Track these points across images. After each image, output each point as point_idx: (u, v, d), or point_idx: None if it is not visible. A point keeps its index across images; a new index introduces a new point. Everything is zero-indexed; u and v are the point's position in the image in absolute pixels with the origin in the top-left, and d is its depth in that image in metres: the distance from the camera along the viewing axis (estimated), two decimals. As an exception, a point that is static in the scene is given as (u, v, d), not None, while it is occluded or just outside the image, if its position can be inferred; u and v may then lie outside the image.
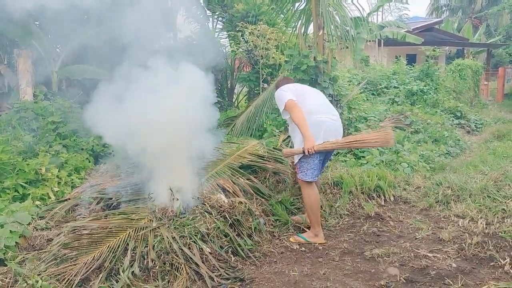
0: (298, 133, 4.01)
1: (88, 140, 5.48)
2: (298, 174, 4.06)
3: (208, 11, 9.73)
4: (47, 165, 4.61)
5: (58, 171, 4.67)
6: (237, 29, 8.70)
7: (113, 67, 6.42)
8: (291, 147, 4.22)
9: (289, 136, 6.58)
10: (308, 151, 3.85)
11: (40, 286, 2.87)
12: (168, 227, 3.62)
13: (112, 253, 3.27)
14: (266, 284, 3.34)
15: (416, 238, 4.14)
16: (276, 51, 8.47)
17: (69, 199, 4.25)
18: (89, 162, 5.17)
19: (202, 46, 7.08)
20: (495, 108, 14.85)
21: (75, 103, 6.00)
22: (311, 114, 4.00)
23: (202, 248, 3.49)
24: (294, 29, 8.21)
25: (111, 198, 4.18)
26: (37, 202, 4.26)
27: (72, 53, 6.70)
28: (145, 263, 3.26)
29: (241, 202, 4.16)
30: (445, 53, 22.50)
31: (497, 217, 4.41)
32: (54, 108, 5.59)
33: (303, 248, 3.98)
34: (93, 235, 3.43)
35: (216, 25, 10.24)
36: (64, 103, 5.76)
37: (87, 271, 3.09)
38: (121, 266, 3.19)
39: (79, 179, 4.77)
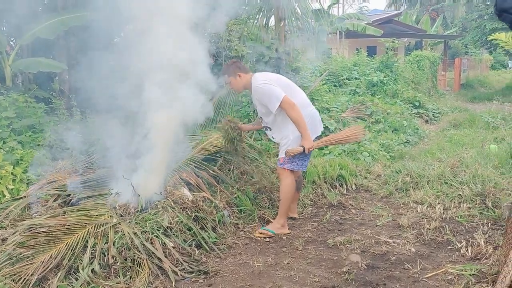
0: (291, 131, 3.94)
1: (45, 136, 5.29)
2: (286, 164, 3.99)
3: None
4: (1, 162, 4.42)
5: (13, 168, 4.49)
6: (199, 21, 8.59)
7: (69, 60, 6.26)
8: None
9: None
10: (308, 150, 3.89)
11: (-6, 288, 2.76)
12: (129, 222, 3.55)
13: (71, 250, 3.17)
14: (231, 276, 3.33)
15: (376, 225, 4.23)
16: (239, 43, 8.43)
17: (25, 196, 4.09)
18: (46, 158, 4.99)
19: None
20: (452, 97, 15.36)
21: (31, 97, 5.77)
22: (304, 107, 3.99)
23: (164, 243, 3.44)
24: (256, 20, 8.20)
25: (69, 195, 4.06)
26: (-9, 201, 4.09)
27: (26, 46, 6.45)
28: (105, 260, 3.18)
29: (204, 199, 4.11)
30: (404, 45, 23.06)
31: (454, 203, 4.57)
32: (8, 103, 5.36)
33: (267, 239, 3.99)
34: (50, 233, 3.32)
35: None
36: (19, 97, 5.53)
37: (45, 270, 2.99)
38: (81, 263, 3.10)
39: (35, 176, 4.60)
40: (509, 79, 21.75)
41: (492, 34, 13.71)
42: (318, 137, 4.21)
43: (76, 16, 6.03)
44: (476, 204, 4.50)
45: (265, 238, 4.01)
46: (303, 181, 4.78)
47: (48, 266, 3.02)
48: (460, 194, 4.71)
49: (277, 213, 4.24)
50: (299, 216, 4.51)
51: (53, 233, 3.33)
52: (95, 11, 5.62)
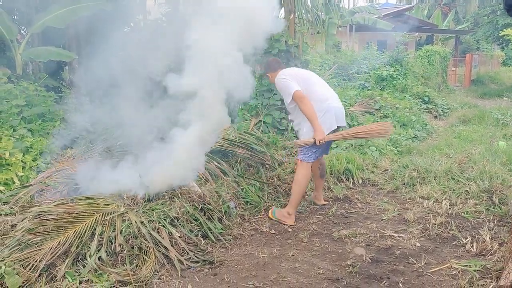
0: (306, 123, 4.09)
1: (54, 124, 5.34)
2: (299, 155, 4.15)
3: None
4: (11, 149, 4.48)
5: (23, 156, 4.54)
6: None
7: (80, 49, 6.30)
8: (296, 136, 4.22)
9: (260, 121, 6.61)
10: (319, 143, 3.97)
11: (4, 272, 2.81)
12: (136, 211, 3.59)
13: (79, 238, 3.21)
14: (236, 266, 3.36)
15: (382, 219, 4.24)
16: (248, 34, 8.41)
17: (34, 184, 4.15)
18: (55, 146, 5.04)
19: (172, 29, 6.96)
20: (462, 93, 15.23)
21: (41, 86, 5.82)
22: (322, 101, 4.10)
23: (171, 232, 3.48)
24: (265, 12, 8.15)
25: (77, 184, 4.10)
26: (1, 188, 4.14)
27: (37, 34, 6.49)
28: (112, 247, 3.22)
29: (211, 192, 4.13)
30: (415, 39, 22.84)
31: (460, 198, 4.56)
32: (18, 91, 5.41)
33: (272, 231, 4.02)
34: (58, 220, 3.36)
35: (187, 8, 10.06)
36: (29, 86, 5.58)
37: (53, 256, 3.03)
38: (88, 251, 3.14)
39: (44, 163, 4.66)
40: (520, 75, 21.50)
41: (504, 29, 13.58)
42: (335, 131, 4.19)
43: (87, 5, 6.05)
44: (482, 200, 4.49)
45: (269, 228, 4.04)
46: (325, 169, 4.83)
47: (56, 253, 3.07)
48: (467, 190, 4.69)
49: (283, 205, 4.28)
50: (306, 209, 4.53)
51: (62, 221, 3.38)
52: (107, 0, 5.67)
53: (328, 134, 4.07)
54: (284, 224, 4.14)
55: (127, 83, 4.50)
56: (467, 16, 32.33)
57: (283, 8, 7.50)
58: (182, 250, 3.41)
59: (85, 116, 5.66)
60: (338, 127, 4.18)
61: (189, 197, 3.92)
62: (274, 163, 5.22)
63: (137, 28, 6.56)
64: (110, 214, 3.48)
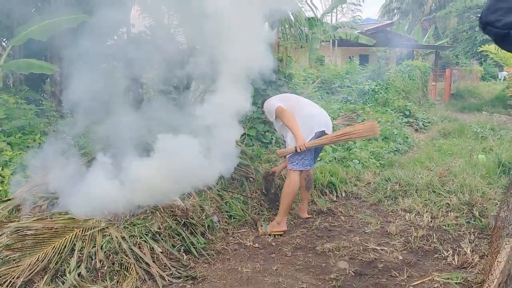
0: (289, 133, 4.25)
1: (35, 137, 5.26)
2: (288, 165, 4.25)
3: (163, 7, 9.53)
4: (-11, 163, 4.39)
5: (1, 170, 4.45)
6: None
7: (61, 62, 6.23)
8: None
9: (244, 134, 6.61)
10: (299, 149, 4.06)
11: (-21, 290, 2.73)
12: (117, 226, 3.53)
13: (58, 254, 3.15)
14: (219, 281, 3.33)
15: (365, 232, 4.26)
16: (231, 48, 8.44)
17: (13, 198, 4.06)
18: (35, 160, 4.95)
19: (156, 42, 6.95)
20: (442, 107, 15.49)
21: (21, 98, 5.74)
22: (305, 107, 4.31)
23: (153, 247, 3.43)
24: (249, 27, 8.22)
25: (57, 198, 4.03)
26: (-22, 203, 4.04)
27: (19, 47, 6.41)
28: (93, 263, 3.16)
29: (194, 206, 4.10)
30: (396, 54, 23.22)
31: (442, 211, 4.61)
32: (-3, 104, 5.32)
33: (256, 245, 4.00)
34: (37, 236, 3.30)
35: (172, 21, 10.05)
36: (9, 98, 5.49)
37: (31, 273, 2.96)
38: (68, 267, 3.08)
39: (24, 178, 4.57)
40: (498, 90, 22.00)
41: (482, 45, 13.90)
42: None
43: (69, 18, 6.01)
44: (463, 213, 4.55)
45: (252, 242, 4.02)
46: (312, 181, 4.89)
47: (35, 269, 3.00)
48: (448, 203, 4.75)
49: (267, 218, 4.28)
50: (290, 222, 4.52)
51: (41, 236, 3.31)
52: (89, 13, 5.65)
53: (310, 140, 4.11)
54: (278, 235, 4.17)
55: (109, 95, 4.47)
56: (446, 32, 33.00)
57: (266, 23, 7.57)
58: (164, 265, 3.36)
59: (66, 129, 5.59)
60: (324, 133, 4.23)
61: (172, 211, 3.88)
62: (258, 177, 5.21)
63: (121, 41, 6.54)
64: (90, 230, 3.42)
